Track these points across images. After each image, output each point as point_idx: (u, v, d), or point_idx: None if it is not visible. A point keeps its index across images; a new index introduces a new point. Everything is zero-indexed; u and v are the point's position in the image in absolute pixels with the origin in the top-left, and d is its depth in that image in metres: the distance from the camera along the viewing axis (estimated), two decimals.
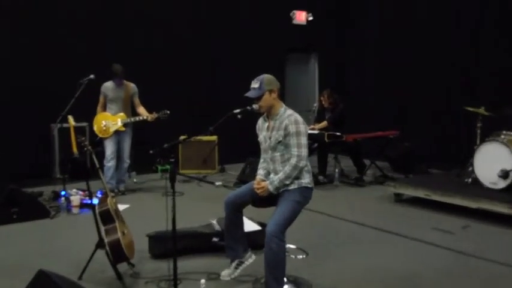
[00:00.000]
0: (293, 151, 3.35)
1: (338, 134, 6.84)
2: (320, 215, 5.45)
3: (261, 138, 3.57)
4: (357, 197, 6.43)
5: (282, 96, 6.07)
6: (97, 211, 3.62)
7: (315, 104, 7.94)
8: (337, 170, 7.16)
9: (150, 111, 6.33)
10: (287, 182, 3.35)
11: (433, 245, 4.46)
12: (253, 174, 3.88)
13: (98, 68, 6.26)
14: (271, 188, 3.37)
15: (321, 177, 7.19)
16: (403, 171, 7.59)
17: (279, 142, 3.39)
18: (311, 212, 5.31)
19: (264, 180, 3.49)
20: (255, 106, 3.41)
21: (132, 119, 6.29)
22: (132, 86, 6.36)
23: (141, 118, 6.28)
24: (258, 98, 3.39)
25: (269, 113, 3.48)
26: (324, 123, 7.23)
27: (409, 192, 5.97)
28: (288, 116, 3.39)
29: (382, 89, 9.20)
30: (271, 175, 3.49)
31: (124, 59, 6.85)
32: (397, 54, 8.95)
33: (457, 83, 8.10)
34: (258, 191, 3.42)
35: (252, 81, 3.44)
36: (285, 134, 3.36)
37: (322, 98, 7.34)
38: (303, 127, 3.35)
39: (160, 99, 7.85)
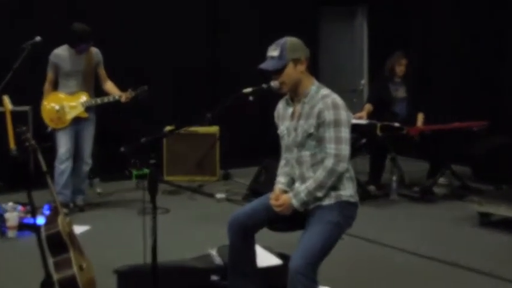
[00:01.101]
0: (329, 149, 3.34)
1: (396, 125, 6.81)
2: (368, 244, 5.43)
3: (282, 130, 3.58)
4: (424, 217, 6.39)
5: (314, 70, 6.03)
6: (43, 235, 3.63)
7: (363, 81, 7.91)
8: (394, 178, 7.13)
9: (123, 88, 6.35)
10: (319, 194, 3.35)
11: None
12: (270, 183, 3.87)
13: (45, 26, 6.29)
14: (295, 202, 3.37)
15: (371, 188, 7.16)
16: (493, 180, 7.51)
17: (309, 135, 3.39)
18: (355, 238, 5.27)
19: (285, 192, 3.50)
20: (273, 84, 3.43)
21: (99, 100, 6.33)
22: (95, 52, 6.42)
23: (110, 99, 6.33)
24: (278, 72, 3.40)
25: (294, 94, 3.48)
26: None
27: (502, 212, 5.91)
28: (323, 98, 3.39)
29: (464, 60, 9.10)
30: (297, 184, 3.49)
31: (79, 14, 6.93)
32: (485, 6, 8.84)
33: None
34: (277, 208, 3.43)
35: (269, 48, 3.45)
36: (318, 123, 3.36)
37: (394, 65, 7.33)
38: (344, 114, 3.35)
39: (138, 72, 7.89)
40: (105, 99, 6.32)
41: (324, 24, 10.13)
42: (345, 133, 3.35)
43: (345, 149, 3.34)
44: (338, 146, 3.33)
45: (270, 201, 3.47)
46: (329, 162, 3.33)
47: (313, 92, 3.44)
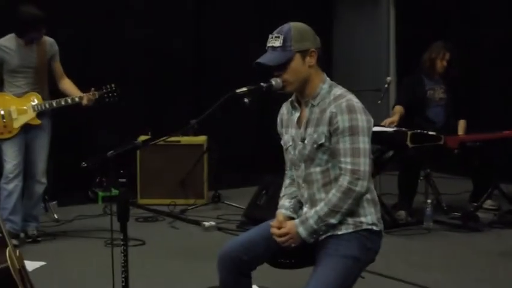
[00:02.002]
0: (344, 163, 3.35)
1: (431, 133, 6.82)
2: (395, 285, 5.43)
3: (286, 140, 3.60)
4: (466, 250, 6.39)
5: (327, 65, 6.05)
6: None
7: (389, 79, 7.93)
8: (429, 201, 7.14)
9: (84, 88, 6.38)
10: (333, 221, 3.36)
11: None
12: (272, 207, 3.89)
13: None
14: (303, 231, 3.38)
15: (401, 214, 7.16)
16: None
17: (320, 147, 3.41)
18: (378, 277, 5.28)
19: (291, 219, 3.51)
20: (274, 81, 3.43)
21: (54, 103, 6.34)
22: (49, 43, 6.42)
23: (68, 101, 6.33)
24: (282, 67, 3.41)
25: (301, 94, 3.50)
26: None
27: None
28: (336, 99, 3.40)
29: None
30: (305, 208, 3.51)
31: None
32: None
33: None
34: (280, 239, 3.43)
35: (270, 36, 3.46)
36: (330, 131, 3.37)
37: (436, 59, 7.38)
38: (363, 119, 3.36)
39: (104, 67, 7.91)
40: (62, 102, 6.31)
41: (340, 7, 10.17)
42: (364, 143, 3.34)
43: (364, 163, 3.33)
44: (355, 160, 3.33)
45: (271, 230, 3.47)
46: (344, 181, 3.33)
47: (324, 92, 3.45)
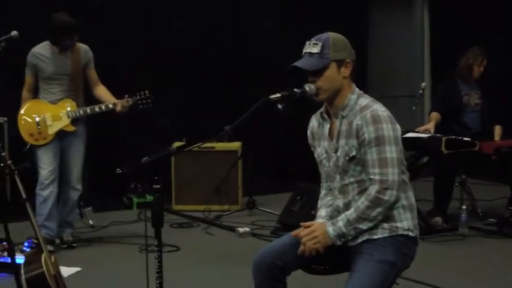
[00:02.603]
0: (372, 174, 3.36)
1: (466, 139, 6.78)
2: None
3: (320, 153, 3.61)
4: (502, 257, 6.33)
5: (361, 72, 6.02)
6: (23, 277, 3.67)
7: (423, 85, 7.89)
8: (464, 207, 7.09)
9: (119, 95, 6.42)
10: (361, 227, 3.37)
11: None
12: (306, 213, 3.89)
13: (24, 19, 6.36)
14: (331, 231, 3.39)
15: (437, 219, 7.11)
16: None
17: (352, 159, 3.41)
18: (413, 284, 5.25)
19: None
20: (308, 88, 3.44)
21: (89, 110, 6.37)
22: (84, 50, 6.45)
23: (103, 108, 6.36)
24: (317, 73, 3.42)
25: (331, 104, 3.51)
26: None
27: None
28: (361, 110, 3.41)
29: None
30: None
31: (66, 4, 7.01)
32: None
33: None
34: (309, 242, 3.40)
35: (308, 43, 3.47)
36: (360, 142, 3.38)
37: (473, 64, 7.33)
38: (389, 128, 3.36)
39: (138, 74, 7.94)
40: (96, 109, 6.33)
41: (375, 14, 10.14)
42: (391, 153, 3.34)
43: (393, 173, 3.33)
44: (383, 170, 3.33)
45: (302, 224, 3.47)
46: (373, 190, 3.34)
47: (352, 103, 3.45)
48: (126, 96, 6.29)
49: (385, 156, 3.33)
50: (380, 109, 3.39)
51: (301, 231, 3.44)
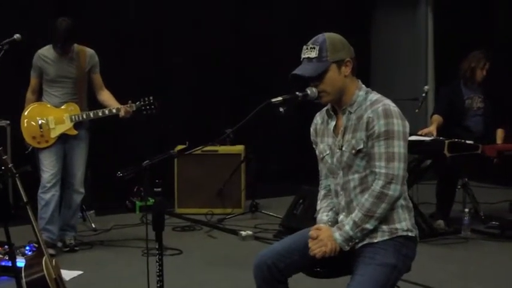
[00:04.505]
0: (378, 167, 3.37)
1: (469, 142, 6.78)
2: None
3: (323, 149, 3.61)
4: (505, 260, 6.32)
5: (364, 72, 6.01)
6: (24, 281, 3.67)
7: (426, 87, 7.89)
8: (467, 210, 7.09)
9: (122, 100, 6.43)
10: (368, 226, 3.37)
11: None
12: (308, 217, 3.89)
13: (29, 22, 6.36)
14: (338, 236, 3.39)
15: (440, 223, 7.10)
16: None
17: (358, 152, 3.41)
18: (416, 287, 5.24)
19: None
20: (310, 91, 3.44)
21: (92, 114, 6.37)
22: (89, 54, 6.45)
23: (106, 112, 6.36)
24: (318, 78, 3.42)
25: (338, 103, 3.51)
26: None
27: None
28: (372, 104, 3.42)
29: None
30: (341, 216, 3.52)
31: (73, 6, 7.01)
32: None
33: None
34: (314, 246, 3.41)
35: (305, 47, 3.47)
36: (367, 136, 3.38)
37: (476, 68, 7.34)
38: (399, 124, 3.37)
39: (142, 78, 7.96)
40: (100, 113, 6.33)
41: (378, 16, 10.14)
42: (399, 147, 3.35)
43: (399, 168, 3.34)
44: (389, 164, 3.34)
45: (310, 233, 3.45)
46: (377, 185, 3.34)
47: (361, 99, 3.46)
48: (130, 101, 6.29)
49: (392, 150, 3.34)
50: (391, 104, 3.41)
51: (309, 242, 3.44)
